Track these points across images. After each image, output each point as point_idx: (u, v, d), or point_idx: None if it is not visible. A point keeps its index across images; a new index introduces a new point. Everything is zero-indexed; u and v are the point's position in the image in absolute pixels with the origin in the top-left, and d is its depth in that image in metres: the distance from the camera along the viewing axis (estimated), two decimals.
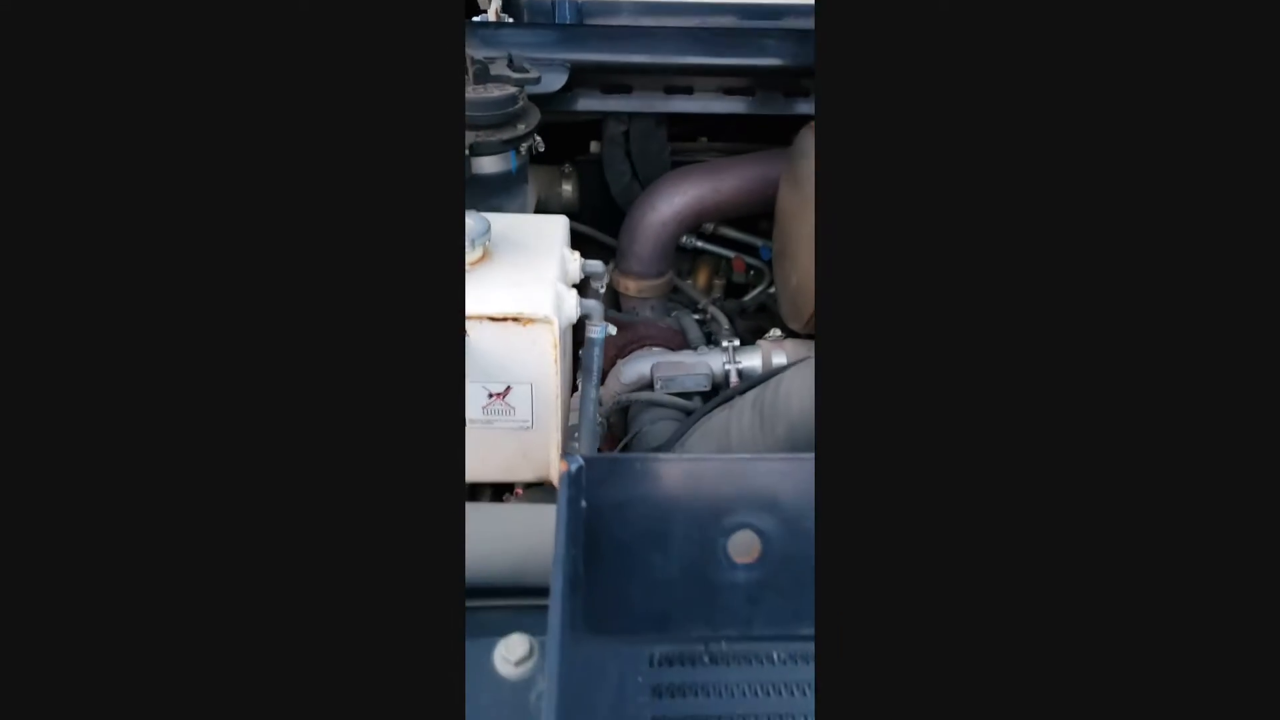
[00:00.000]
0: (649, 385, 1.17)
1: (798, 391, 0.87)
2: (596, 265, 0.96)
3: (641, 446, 1.10)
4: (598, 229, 1.55)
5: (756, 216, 1.48)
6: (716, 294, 1.76)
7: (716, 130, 1.62)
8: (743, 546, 0.58)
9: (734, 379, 1.16)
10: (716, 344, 1.40)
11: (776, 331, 1.22)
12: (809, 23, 1.33)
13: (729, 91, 1.37)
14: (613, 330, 0.92)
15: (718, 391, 1.15)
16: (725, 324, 1.44)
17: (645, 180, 1.52)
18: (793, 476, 0.58)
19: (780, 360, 1.17)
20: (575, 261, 0.92)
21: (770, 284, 1.69)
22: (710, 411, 1.03)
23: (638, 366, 1.20)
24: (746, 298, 1.68)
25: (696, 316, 1.55)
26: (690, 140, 1.63)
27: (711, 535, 0.57)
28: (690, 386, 1.16)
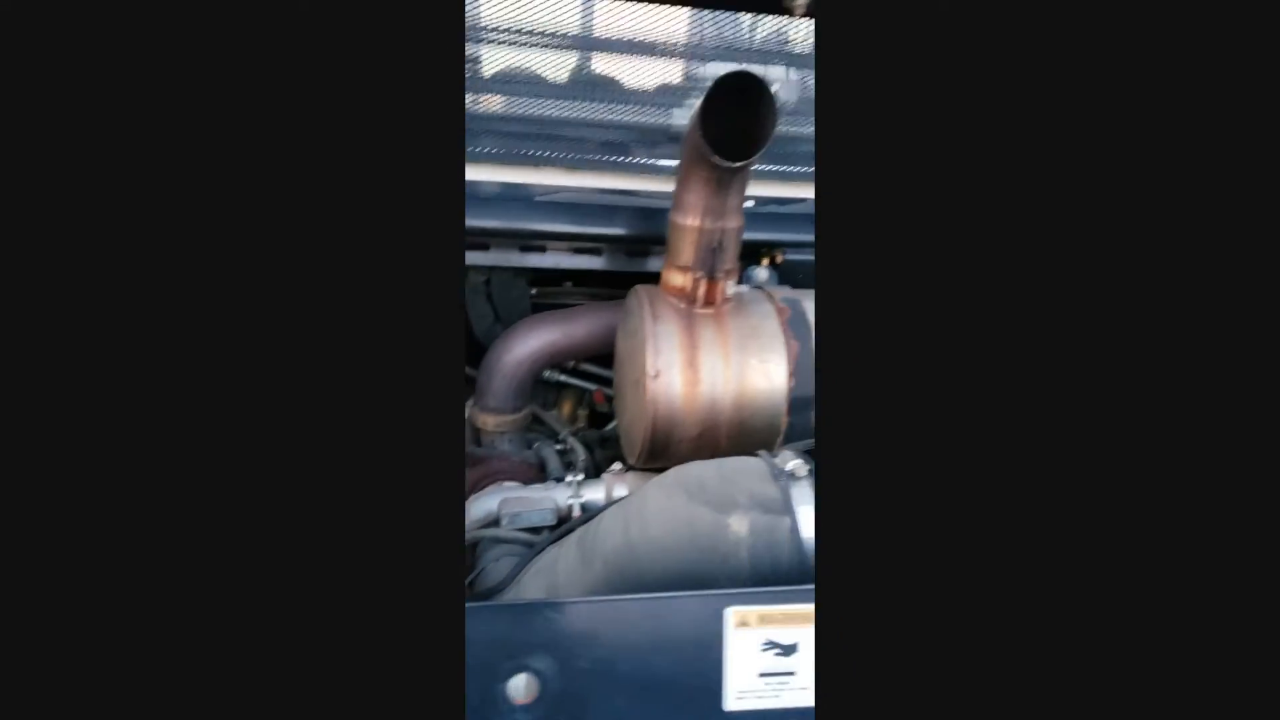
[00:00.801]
0: (497, 521, 1.25)
1: (611, 529, 0.97)
2: None
3: (483, 584, 1.15)
4: (468, 367, 1.66)
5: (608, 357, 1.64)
6: (581, 424, 1.88)
7: (582, 278, 1.80)
8: (521, 689, 0.65)
9: (577, 512, 1.25)
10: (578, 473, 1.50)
11: (618, 465, 1.33)
12: (651, 202, 1.55)
13: (578, 250, 1.55)
14: None
15: (563, 525, 1.23)
16: (582, 454, 1.55)
17: (507, 323, 1.66)
18: (570, 617, 0.67)
19: (621, 492, 1.27)
20: None
21: None
22: (544, 548, 1.11)
23: (486, 502, 1.28)
24: (607, 427, 1.81)
25: (558, 447, 1.65)
26: (556, 285, 1.80)
27: (486, 681, 0.64)
28: (535, 521, 1.24)
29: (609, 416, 1.84)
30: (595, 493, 1.30)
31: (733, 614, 0.69)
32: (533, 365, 1.47)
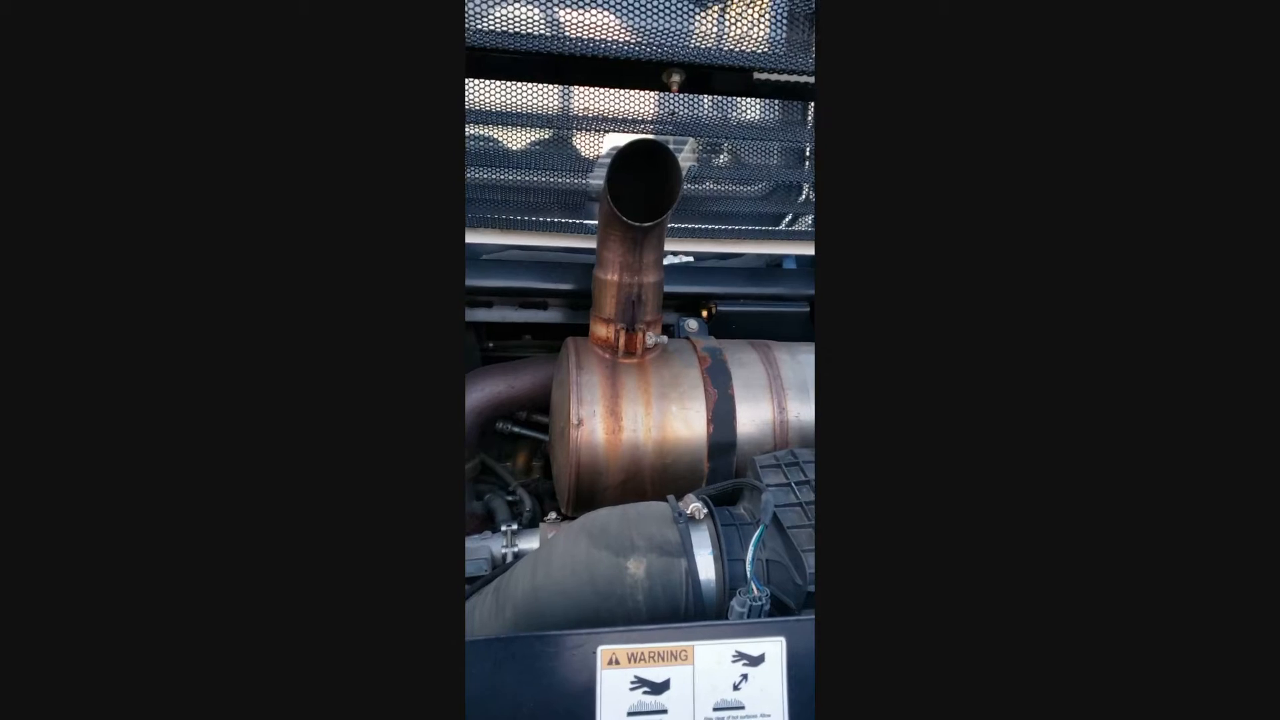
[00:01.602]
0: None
1: (521, 575, 1.00)
2: None
3: None
4: None
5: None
6: (536, 474, 1.91)
7: (540, 330, 1.86)
8: None
9: (510, 560, 1.27)
10: (525, 522, 1.53)
11: (554, 515, 1.36)
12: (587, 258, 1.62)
13: (525, 305, 1.62)
14: None
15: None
16: (529, 505, 1.58)
17: None
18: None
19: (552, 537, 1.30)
20: None
21: None
22: (471, 595, 1.14)
23: None
24: None
25: (509, 498, 1.68)
26: (515, 338, 1.86)
27: None
28: (471, 571, 1.26)
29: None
30: (530, 542, 1.32)
31: (602, 652, 0.72)
32: (479, 415, 1.52)
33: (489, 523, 1.51)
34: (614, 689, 0.71)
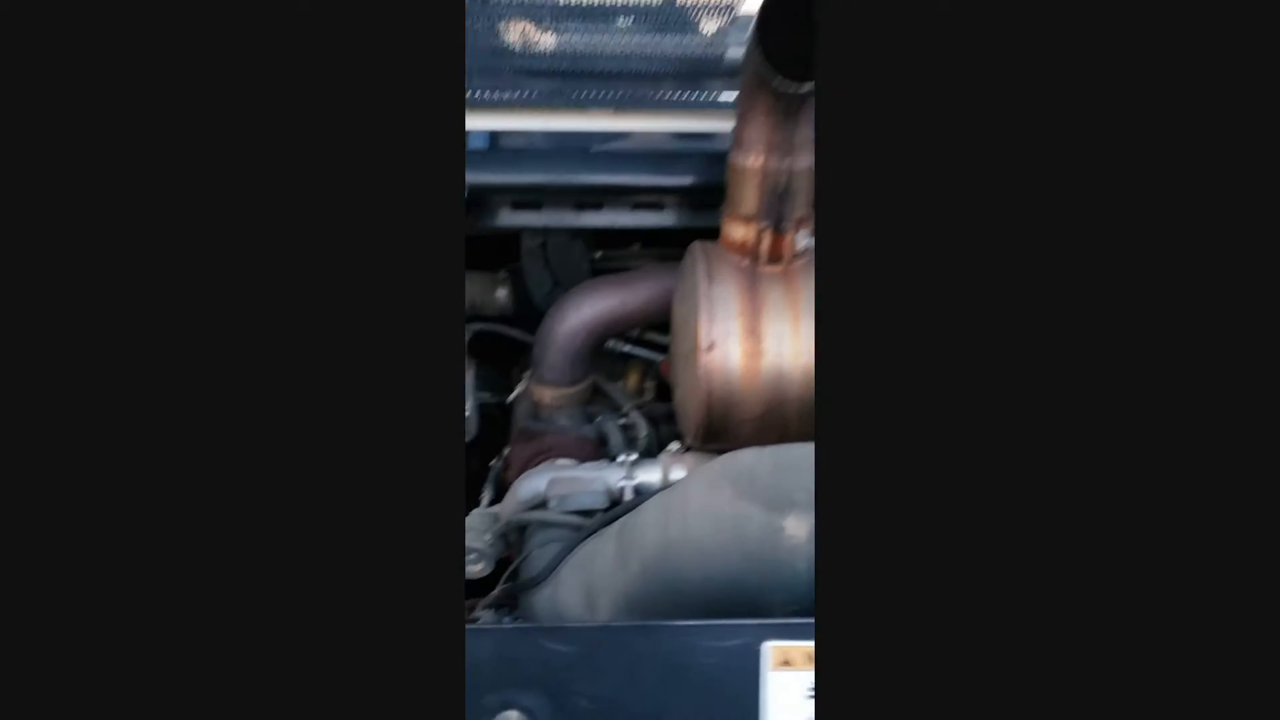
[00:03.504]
0: (545, 503, 1.15)
1: (653, 523, 0.84)
2: None
3: (528, 571, 1.06)
4: (530, 328, 1.58)
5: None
6: (649, 396, 1.76)
7: (651, 238, 1.66)
8: None
9: (629, 495, 1.13)
10: (642, 450, 1.39)
11: (676, 445, 1.20)
12: (712, 145, 1.37)
13: (639, 206, 1.40)
14: None
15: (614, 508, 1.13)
16: (644, 430, 1.43)
17: (567, 289, 1.55)
18: (572, 645, 0.55)
19: (678, 475, 1.14)
20: None
21: None
22: (588, 536, 1.01)
23: (534, 483, 1.18)
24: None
25: (621, 421, 1.54)
26: (623, 247, 1.67)
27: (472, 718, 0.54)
28: (585, 504, 1.14)
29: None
30: (651, 474, 1.17)
31: (772, 650, 0.55)
32: (589, 334, 1.35)
33: (601, 449, 1.38)
34: (785, 697, 0.54)
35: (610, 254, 1.62)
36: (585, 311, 1.35)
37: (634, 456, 1.19)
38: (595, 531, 1.00)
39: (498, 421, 1.82)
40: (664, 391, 1.78)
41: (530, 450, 1.30)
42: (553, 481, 1.16)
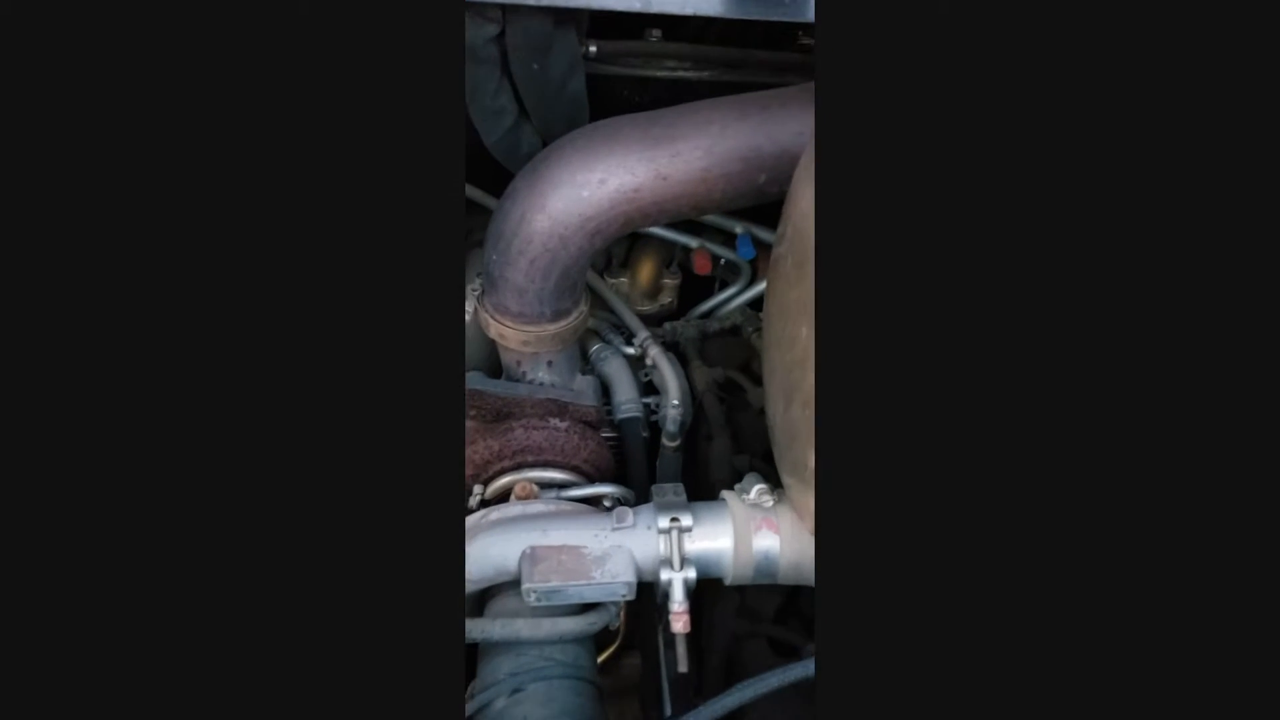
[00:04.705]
0: (516, 582, 0.60)
1: None
2: None
3: None
4: (479, 181, 0.92)
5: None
6: (666, 299, 1.15)
7: (678, 26, 0.94)
8: None
9: (678, 592, 0.59)
10: (666, 431, 0.82)
11: (758, 484, 0.64)
12: None
13: None
14: None
15: (651, 592, 0.60)
16: (673, 379, 0.86)
17: (545, 126, 0.85)
18: None
19: (766, 546, 0.60)
20: None
21: (750, 284, 1.09)
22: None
23: (495, 544, 0.62)
24: (709, 305, 1.08)
25: (629, 350, 0.96)
26: (633, 37, 0.95)
27: None
28: (590, 598, 0.60)
29: (708, 288, 1.09)
30: (715, 539, 0.63)
31: None
32: (592, 238, 0.71)
33: (604, 425, 0.80)
34: None
35: (608, 50, 0.91)
36: (587, 195, 0.70)
37: (678, 495, 0.63)
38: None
39: None
40: (692, 291, 1.17)
41: (483, 449, 0.73)
42: (528, 553, 0.61)
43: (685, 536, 0.61)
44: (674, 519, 0.61)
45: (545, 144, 0.85)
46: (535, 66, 0.79)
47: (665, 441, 0.85)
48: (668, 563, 0.60)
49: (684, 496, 0.64)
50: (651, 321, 1.02)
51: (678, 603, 0.59)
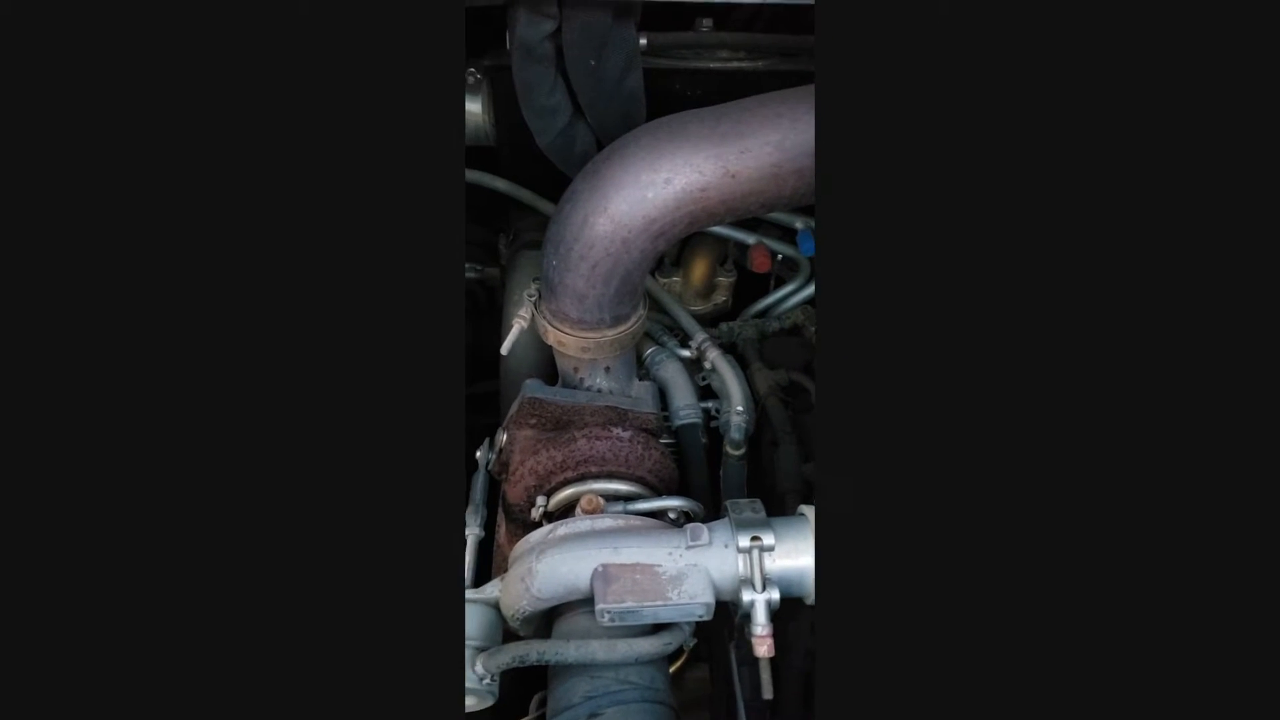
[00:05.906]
0: (587, 600, 0.58)
1: None
2: None
3: None
4: (528, 181, 0.88)
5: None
6: (720, 297, 1.11)
7: (728, 13, 0.90)
8: None
9: (760, 615, 0.56)
10: (730, 439, 0.79)
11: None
12: None
13: None
14: None
15: (725, 616, 0.57)
16: (735, 381, 0.82)
17: (600, 125, 0.82)
18: None
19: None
20: None
21: (808, 281, 1.05)
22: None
23: (563, 567, 0.60)
24: (765, 303, 1.04)
25: (685, 353, 0.93)
26: (684, 28, 0.91)
27: None
28: (666, 619, 0.57)
29: (762, 287, 1.06)
30: (798, 552, 0.60)
31: None
32: (658, 238, 0.68)
33: (652, 448, 0.77)
34: None
35: (662, 41, 0.88)
36: (651, 196, 0.67)
37: (756, 511, 0.60)
38: None
39: (481, 307, 1.17)
40: (745, 287, 1.14)
41: (546, 459, 0.70)
42: (600, 571, 0.58)
43: (767, 556, 0.58)
44: (755, 537, 0.58)
45: (600, 143, 0.82)
46: (592, 62, 0.76)
47: (730, 450, 0.82)
48: (749, 583, 0.57)
49: (763, 513, 0.61)
50: (705, 322, 0.98)
51: (760, 625, 0.56)
